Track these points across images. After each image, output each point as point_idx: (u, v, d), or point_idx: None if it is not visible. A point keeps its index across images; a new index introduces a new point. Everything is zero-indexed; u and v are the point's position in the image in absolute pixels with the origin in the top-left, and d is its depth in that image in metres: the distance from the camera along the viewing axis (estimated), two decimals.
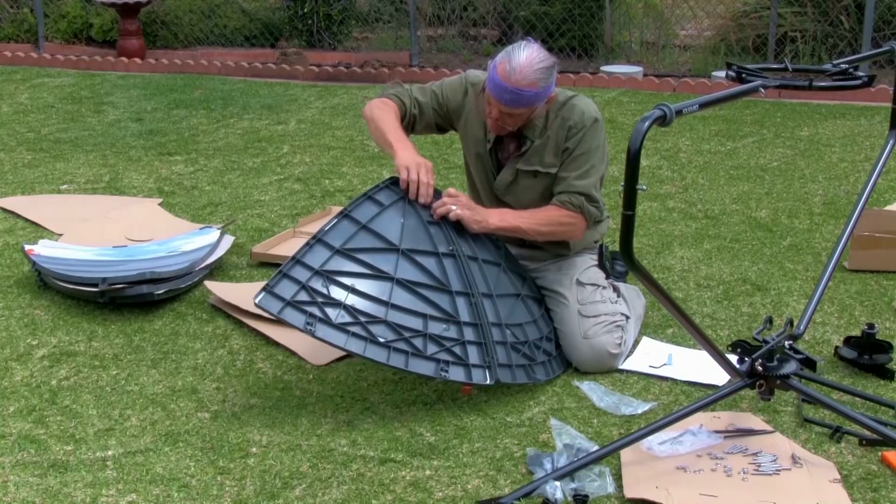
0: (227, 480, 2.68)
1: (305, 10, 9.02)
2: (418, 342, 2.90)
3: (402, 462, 2.75)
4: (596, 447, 2.71)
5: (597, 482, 2.58)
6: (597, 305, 3.31)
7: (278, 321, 3.06)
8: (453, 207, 3.16)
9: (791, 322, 2.94)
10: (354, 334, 2.85)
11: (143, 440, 2.87)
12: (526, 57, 3.08)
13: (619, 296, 3.42)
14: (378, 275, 2.97)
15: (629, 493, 2.58)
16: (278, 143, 6.06)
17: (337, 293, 2.90)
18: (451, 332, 2.97)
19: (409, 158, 3.17)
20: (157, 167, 5.58)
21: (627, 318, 3.35)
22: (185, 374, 3.26)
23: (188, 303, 3.80)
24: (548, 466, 2.65)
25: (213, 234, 4.21)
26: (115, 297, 3.65)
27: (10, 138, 6.23)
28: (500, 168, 3.38)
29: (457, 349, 2.95)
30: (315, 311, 2.86)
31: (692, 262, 4.17)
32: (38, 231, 4.56)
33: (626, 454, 2.74)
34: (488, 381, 2.96)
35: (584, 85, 7.63)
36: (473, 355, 2.96)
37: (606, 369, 3.25)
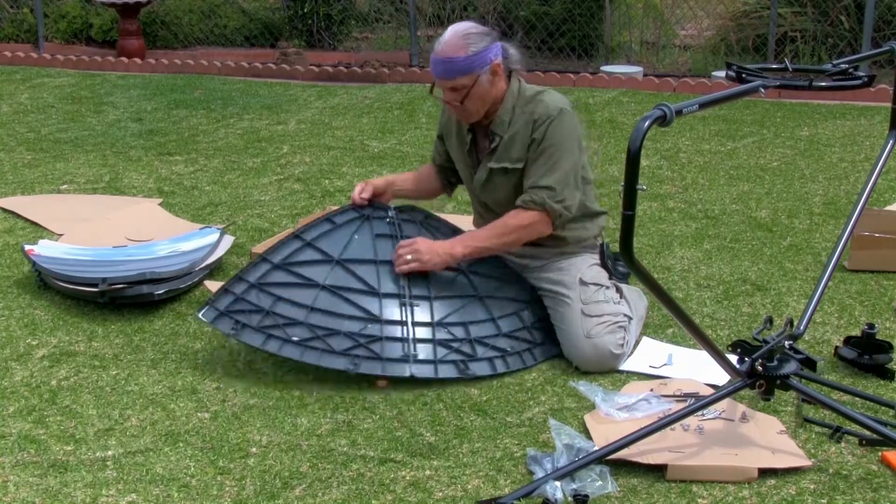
0: (227, 480, 2.68)
1: (305, 10, 9.02)
2: (333, 341, 3.13)
3: (402, 462, 2.75)
4: (596, 447, 2.71)
5: (597, 482, 2.58)
6: (600, 305, 3.30)
7: None
8: (408, 257, 3.24)
9: (791, 322, 2.93)
10: (272, 336, 3.14)
11: (143, 440, 2.87)
12: (452, 28, 3.25)
13: (621, 296, 3.42)
14: (306, 283, 3.24)
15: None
16: (278, 143, 6.06)
17: (264, 301, 3.20)
18: (372, 331, 3.16)
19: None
20: (157, 167, 5.58)
21: (630, 318, 3.35)
22: (185, 374, 3.26)
23: (188, 303, 3.80)
24: (548, 466, 2.64)
25: (212, 235, 4.20)
26: (115, 297, 3.65)
27: (10, 138, 6.23)
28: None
29: (374, 346, 3.14)
30: (242, 318, 3.17)
31: (692, 262, 4.17)
32: (38, 231, 4.56)
33: (588, 420, 2.92)
34: (406, 375, 3.13)
35: (584, 85, 7.63)
36: (394, 351, 3.15)
37: (608, 369, 3.25)
